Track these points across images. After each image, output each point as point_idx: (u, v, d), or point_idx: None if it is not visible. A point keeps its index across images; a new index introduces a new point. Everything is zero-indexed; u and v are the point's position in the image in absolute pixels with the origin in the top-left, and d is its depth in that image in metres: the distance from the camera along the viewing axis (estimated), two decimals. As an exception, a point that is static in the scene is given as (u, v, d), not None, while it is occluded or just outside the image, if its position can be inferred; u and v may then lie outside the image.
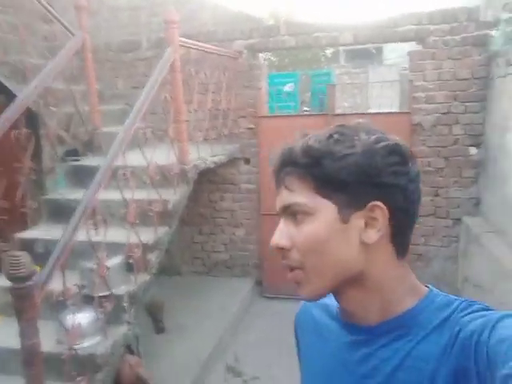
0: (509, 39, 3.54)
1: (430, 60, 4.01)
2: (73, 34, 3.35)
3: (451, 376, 0.58)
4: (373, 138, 0.66)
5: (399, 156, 0.66)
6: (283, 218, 0.70)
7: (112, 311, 2.34)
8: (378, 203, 0.64)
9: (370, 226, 0.65)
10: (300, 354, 0.85)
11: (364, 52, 15.52)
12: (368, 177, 0.64)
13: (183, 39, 3.14)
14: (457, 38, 3.91)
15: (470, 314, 0.61)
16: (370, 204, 0.65)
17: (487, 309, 0.62)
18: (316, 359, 0.77)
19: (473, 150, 4.10)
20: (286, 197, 0.68)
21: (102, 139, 3.56)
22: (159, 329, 3.65)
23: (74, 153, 3.49)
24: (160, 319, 3.65)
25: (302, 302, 0.87)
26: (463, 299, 0.65)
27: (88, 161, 3.41)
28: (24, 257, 1.69)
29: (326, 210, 0.65)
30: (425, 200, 4.18)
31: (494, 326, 0.55)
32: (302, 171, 0.66)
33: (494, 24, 3.84)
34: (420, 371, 0.61)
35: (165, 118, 3.09)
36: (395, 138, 0.68)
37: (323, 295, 0.70)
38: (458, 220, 4.19)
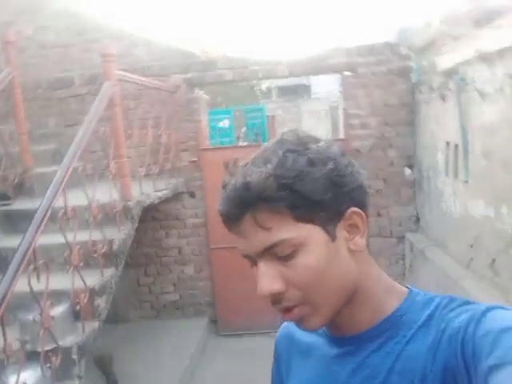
0: (424, 71, 3.86)
1: (361, 89, 4.25)
2: (0, 71, 3.16)
3: (440, 373, 0.57)
4: (321, 144, 0.64)
5: (345, 154, 0.66)
6: (263, 261, 0.62)
7: (60, 366, 2.11)
8: (355, 209, 0.64)
9: (352, 233, 0.64)
10: (279, 377, 0.82)
11: (294, 88, 16.29)
12: (338, 186, 0.62)
13: (121, 72, 3.08)
14: (383, 68, 4.21)
15: (454, 309, 0.61)
16: (348, 212, 0.63)
17: (469, 303, 0.62)
18: (305, 379, 0.73)
19: (407, 171, 4.34)
20: (263, 238, 0.61)
21: (34, 180, 3.35)
22: (112, 382, 3.36)
23: (3, 196, 3.22)
24: (111, 371, 3.37)
25: (282, 326, 0.84)
26: (443, 295, 0.66)
27: (20, 204, 3.17)
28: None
29: (314, 236, 0.61)
30: (369, 221, 4.31)
31: (478, 321, 0.56)
32: (273, 205, 0.59)
33: (412, 57, 4.18)
34: (410, 371, 0.60)
35: (105, 155, 2.96)
36: (324, 137, 0.68)
37: (329, 320, 0.65)
38: (401, 238, 4.36)
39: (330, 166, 0.61)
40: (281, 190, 0.59)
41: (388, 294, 0.68)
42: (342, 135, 6.88)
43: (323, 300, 0.62)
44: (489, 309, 0.57)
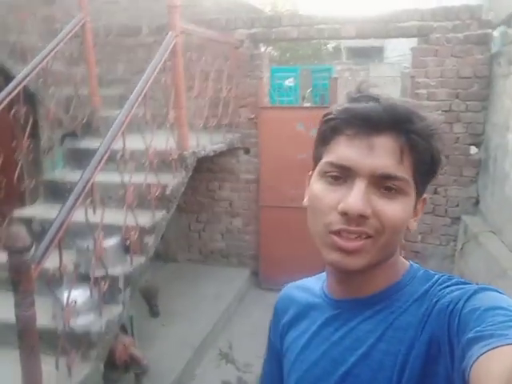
0: (509, 41, 3.55)
1: (433, 57, 4.00)
2: (73, 16, 3.33)
3: (425, 343, 0.59)
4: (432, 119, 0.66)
5: None
6: (367, 182, 0.61)
7: (107, 291, 2.35)
8: (427, 196, 0.69)
9: (413, 214, 0.68)
10: (276, 336, 0.85)
11: (365, 50, 15.51)
12: (439, 167, 0.66)
13: (185, 24, 3.12)
14: (459, 35, 3.91)
15: (449, 286, 0.63)
16: (424, 197, 0.68)
17: (465, 283, 0.64)
18: (301, 338, 0.77)
19: (473, 149, 4.10)
20: (392, 165, 0.61)
21: (100, 122, 3.55)
22: (154, 313, 3.66)
23: (72, 135, 3.48)
24: (155, 303, 3.66)
25: (284, 288, 0.87)
26: (443, 274, 0.67)
27: (86, 143, 3.39)
28: (22, 230, 1.69)
29: (413, 194, 0.64)
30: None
31: (469, 297, 0.57)
32: (423, 146, 0.62)
33: (496, 24, 3.85)
34: (399, 341, 0.62)
35: (165, 104, 3.08)
36: None
37: (371, 267, 0.66)
38: (456, 219, 4.19)
39: (442, 143, 0.65)
40: (433, 140, 0.63)
41: (398, 266, 0.71)
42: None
43: (386, 246, 0.64)
44: (481, 289, 0.59)
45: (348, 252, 0.62)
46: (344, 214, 0.61)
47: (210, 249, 4.93)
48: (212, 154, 3.70)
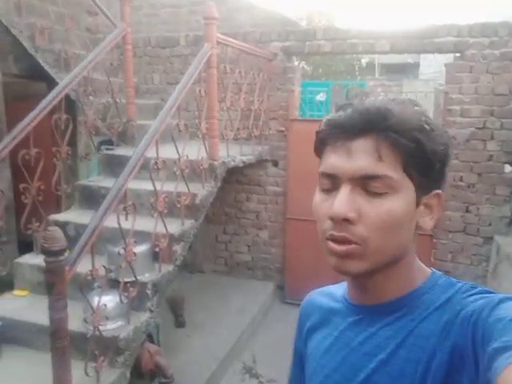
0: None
1: (468, 73, 3.94)
2: (115, 27, 3.45)
3: (448, 353, 0.58)
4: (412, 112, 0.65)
5: None
6: (350, 186, 0.62)
7: (136, 297, 2.37)
8: (440, 192, 0.67)
9: (425, 212, 0.67)
10: (301, 342, 0.86)
11: (400, 66, 15.41)
12: (444, 164, 0.65)
13: (221, 36, 3.18)
14: (496, 52, 3.84)
15: (472, 295, 0.62)
16: (434, 192, 0.66)
17: (490, 291, 0.62)
18: (323, 343, 0.77)
19: (508, 168, 3.99)
20: (372, 165, 0.61)
21: (135, 131, 3.64)
22: (179, 323, 3.67)
23: (108, 142, 3.57)
24: (181, 314, 3.67)
25: (307, 295, 0.89)
26: (465, 282, 0.66)
27: (121, 151, 3.47)
28: (58, 232, 1.73)
29: (408, 190, 0.63)
30: (455, 216, 4.10)
31: (493, 307, 0.56)
32: (403, 142, 0.61)
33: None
34: (420, 348, 0.62)
35: (198, 114, 3.12)
36: None
37: (369, 273, 0.66)
38: (488, 238, 4.07)
39: (448, 142, 0.65)
40: (415, 132, 0.61)
41: (417, 272, 0.70)
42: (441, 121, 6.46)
43: (379, 249, 0.63)
44: (506, 298, 0.57)
45: (341, 256, 0.64)
46: (332, 220, 0.63)
47: (236, 261, 4.93)
48: (241, 165, 3.72)
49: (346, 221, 0.62)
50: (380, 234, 0.62)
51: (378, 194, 0.62)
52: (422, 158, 0.62)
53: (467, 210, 4.09)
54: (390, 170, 0.61)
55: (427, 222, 0.67)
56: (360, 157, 0.62)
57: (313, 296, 0.87)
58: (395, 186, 0.62)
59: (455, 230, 4.13)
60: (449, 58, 4.29)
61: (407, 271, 0.69)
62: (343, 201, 0.62)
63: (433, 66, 12.33)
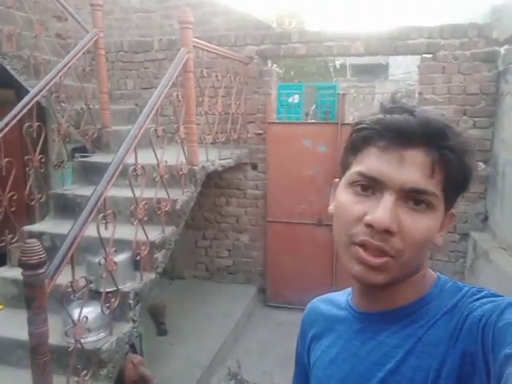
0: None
1: (440, 74, 4.03)
2: (87, 32, 3.37)
3: (458, 359, 0.57)
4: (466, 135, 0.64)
5: None
6: (396, 197, 0.60)
7: (117, 308, 2.31)
8: (455, 212, 0.67)
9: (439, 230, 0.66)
10: (304, 350, 0.84)
11: (370, 67, 15.68)
12: (470, 182, 0.64)
13: (196, 40, 3.15)
14: (467, 53, 3.94)
15: (479, 299, 0.61)
16: (452, 211, 0.66)
17: (497, 295, 0.62)
18: (328, 353, 0.76)
19: (481, 166, 4.09)
20: (422, 180, 0.60)
21: (110, 137, 3.57)
22: (161, 331, 3.60)
23: (82, 149, 3.48)
24: (162, 321, 3.61)
25: (310, 302, 0.87)
26: (472, 286, 0.66)
27: (97, 158, 3.40)
28: (36, 245, 1.66)
29: (441, 209, 0.63)
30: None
31: (502, 311, 0.55)
32: (453, 164, 0.60)
33: (503, 42, 3.87)
34: (430, 356, 0.61)
35: (175, 119, 3.08)
36: None
37: (389, 284, 0.64)
38: (465, 235, 4.16)
39: (474, 158, 0.64)
40: (466, 156, 0.61)
41: (426, 279, 0.69)
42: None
43: (410, 262, 0.62)
44: None
45: (372, 267, 0.61)
46: (369, 227, 0.60)
47: (217, 265, 4.88)
48: (220, 169, 3.70)
49: (387, 232, 0.60)
50: (414, 249, 0.61)
51: (420, 209, 0.61)
52: (462, 181, 0.62)
53: (444, 208, 4.18)
54: (437, 188, 0.61)
55: (438, 239, 0.66)
56: (413, 168, 0.60)
57: (315, 304, 0.85)
58: (436, 205, 0.61)
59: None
60: (418, 59, 4.37)
61: (420, 280, 0.68)
62: (388, 210, 0.59)
63: (402, 67, 12.61)
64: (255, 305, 4.56)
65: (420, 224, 0.61)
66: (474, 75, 3.96)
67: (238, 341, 3.90)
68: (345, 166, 0.68)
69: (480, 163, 4.08)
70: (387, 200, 0.60)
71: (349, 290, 0.78)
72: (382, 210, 0.59)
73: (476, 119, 4.02)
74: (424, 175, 0.60)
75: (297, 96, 8.42)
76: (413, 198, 0.60)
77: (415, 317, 0.65)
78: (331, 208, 0.70)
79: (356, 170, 0.63)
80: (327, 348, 0.76)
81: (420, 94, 4.15)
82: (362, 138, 0.64)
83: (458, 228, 4.17)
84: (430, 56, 4.05)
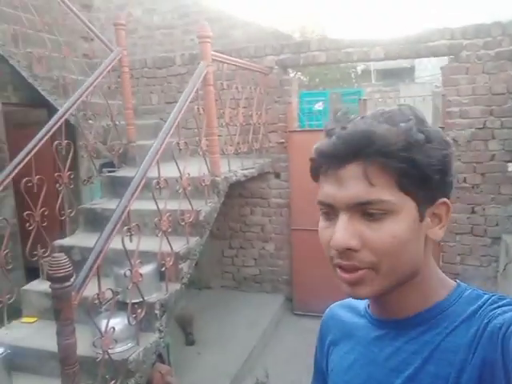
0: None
1: (464, 75, 3.96)
2: (111, 51, 3.49)
3: (478, 367, 0.57)
4: (437, 128, 0.65)
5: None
6: (348, 214, 0.61)
7: (144, 318, 2.36)
8: (447, 200, 0.65)
9: (433, 222, 0.65)
10: (322, 356, 0.84)
11: (395, 71, 15.49)
12: (445, 173, 0.63)
13: (216, 53, 3.21)
14: (491, 52, 3.86)
15: (500, 307, 0.60)
16: (440, 201, 0.65)
17: None
18: (345, 358, 0.76)
19: (510, 166, 3.98)
20: (363, 191, 0.60)
21: (136, 152, 3.66)
22: (189, 341, 3.64)
23: (109, 164, 3.59)
24: (190, 331, 3.65)
25: (328, 308, 0.87)
26: (493, 293, 0.64)
27: (123, 172, 3.49)
28: (63, 259, 1.74)
29: (408, 208, 0.61)
30: (461, 217, 4.07)
31: None
32: (390, 163, 0.59)
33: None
34: (449, 363, 0.60)
35: (197, 132, 3.14)
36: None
37: (382, 294, 0.65)
38: (496, 239, 4.04)
39: (447, 150, 0.63)
40: (405, 152, 0.59)
41: (438, 285, 0.68)
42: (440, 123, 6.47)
43: (390, 271, 0.62)
44: None
45: (352, 283, 0.63)
46: (336, 249, 0.62)
47: (244, 275, 4.91)
48: (243, 179, 3.73)
49: (350, 250, 0.61)
50: (389, 257, 0.61)
51: (376, 219, 0.61)
52: (416, 174, 0.60)
53: (473, 211, 4.07)
54: (384, 193, 0.60)
55: (437, 233, 0.65)
56: (351, 184, 0.61)
57: (334, 309, 0.85)
58: (393, 208, 0.61)
59: (462, 231, 4.11)
60: (444, 60, 4.31)
61: (426, 285, 0.67)
62: (342, 230, 0.61)
63: (428, 70, 12.40)
64: (283, 313, 4.55)
65: (382, 233, 0.61)
66: (499, 74, 3.87)
67: (265, 349, 3.90)
68: None
69: (509, 164, 3.97)
70: (341, 220, 0.62)
71: None
72: (338, 231, 0.61)
73: (503, 119, 3.91)
74: (364, 186, 0.60)
75: (321, 103, 8.42)
76: (364, 211, 0.61)
77: (433, 323, 0.64)
78: None
79: (317, 200, 0.66)
80: (345, 354, 0.76)
81: (444, 95, 4.08)
82: (313, 169, 0.67)
83: (489, 231, 4.06)
84: (452, 58, 3.99)
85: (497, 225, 4.03)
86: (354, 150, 0.60)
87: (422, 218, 0.63)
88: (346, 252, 0.62)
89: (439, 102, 4.99)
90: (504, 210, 4.00)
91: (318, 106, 8.43)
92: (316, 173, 0.67)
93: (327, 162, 0.63)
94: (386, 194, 0.60)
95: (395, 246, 0.61)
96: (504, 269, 3.92)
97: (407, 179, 0.60)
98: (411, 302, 0.67)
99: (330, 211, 0.64)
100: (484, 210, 4.05)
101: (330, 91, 9.21)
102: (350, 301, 0.83)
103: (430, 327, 0.65)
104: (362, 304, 0.78)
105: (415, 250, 0.64)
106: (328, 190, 0.64)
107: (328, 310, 0.87)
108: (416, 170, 0.60)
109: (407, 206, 0.62)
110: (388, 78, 15.41)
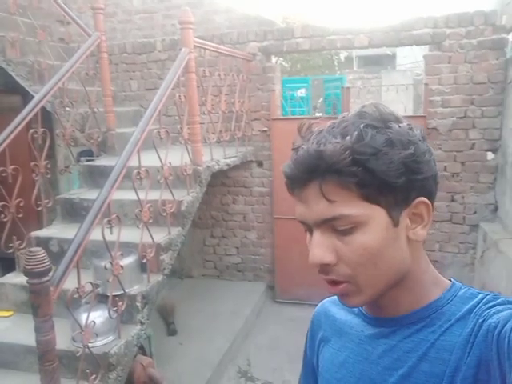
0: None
1: (446, 64, 3.97)
2: (89, 36, 3.38)
3: (473, 366, 0.57)
4: (403, 125, 0.63)
5: (426, 139, 0.65)
6: (319, 231, 0.62)
7: (125, 310, 2.33)
8: (424, 199, 0.63)
9: (414, 222, 0.64)
10: (313, 352, 0.84)
11: (377, 58, 15.51)
12: (412, 173, 0.61)
13: (198, 40, 3.14)
14: (473, 41, 3.87)
15: (495, 306, 0.60)
16: (416, 201, 0.63)
17: None
18: (337, 356, 0.75)
19: (490, 155, 4.03)
20: (325, 209, 0.60)
21: (115, 140, 3.58)
22: (171, 331, 3.62)
23: (88, 153, 3.50)
24: (171, 321, 3.63)
25: (320, 303, 0.86)
26: (487, 292, 0.64)
27: (102, 161, 3.42)
28: (40, 253, 1.68)
29: (377, 217, 0.61)
30: (440, 205, 4.12)
31: None
32: (343, 179, 0.59)
33: (510, 29, 3.80)
34: (443, 362, 0.60)
35: (179, 120, 3.08)
36: (401, 113, 0.66)
37: (374, 300, 0.66)
38: (474, 226, 4.11)
39: (410, 150, 0.60)
40: (354, 166, 0.58)
41: (432, 284, 0.68)
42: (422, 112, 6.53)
43: (370, 281, 0.63)
44: None
45: (339, 295, 0.66)
46: (314, 265, 0.64)
47: (225, 263, 4.90)
48: (226, 167, 3.69)
49: (326, 265, 0.63)
50: (364, 269, 0.62)
51: (347, 232, 0.61)
52: (375, 183, 0.59)
53: (452, 199, 4.13)
54: (346, 207, 0.60)
55: (418, 233, 0.64)
56: (313, 203, 0.62)
57: (325, 305, 0.84)
58: (359, 220, 0.60)
59: (441, 219, 4.16)
60: (426, 48, 4.31)
61: (419, 285, 0.67)
62: (317, 246, 0.63)
63: (409, 57, 12.46)
64: (264, 301, 4.57)
65: (353, 245, 0.61)
66: (481, 64, 3.89)
67: (247, 338, 3.91)
68: None
69: (489, 153, 4.03)
70: (315, 237, 0.63)
71: None
72: (313, 248, 0.63)
73: (484, 108, 3.95)
74: (325, 204, 0.60)
75: (304, 90, 8.38)
76: (333, 226, 0.62)
77: (427, 321, 0.65)
78: None
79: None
80: (337, 351, 0.75)
81: (426, 84, 4.09)
82: (287, 189, 0.68)
83: (468, 219, 4.12)
84: (435, 46, 3.99)
85: (475, 213, 4.10)
86: (308, 171, 0.61)
87: (396, 223, 0.62)
88: (324, 267, 0.63)
89: (421, 90, 5.01)
90: (482, 197, 4.07)
91: (300, 93, 8.39)
92: (290, 192, 0.68)
93: (292, 184, 0.65)
94: (348, 208, 0.60)
95: (368, 257, 0.61)
96: (481, 256, 4.00)
97: (367, 189, 0.59)
98: (405, 302, 0.67)
99: (308, 228, 0.66)
100: (463, 198, 4.11)
101: (311, 78, 9.18)
102: None
103: (424, 326, 0.65)
104: None
105: (394, 256, 0.63)
106: (299, 209, 0.65)
107: (320, 305, 0.86)
108: (373, 179, 0.59)
109: (376, 215, 0.61)
110: (370, 65, 15.42)
